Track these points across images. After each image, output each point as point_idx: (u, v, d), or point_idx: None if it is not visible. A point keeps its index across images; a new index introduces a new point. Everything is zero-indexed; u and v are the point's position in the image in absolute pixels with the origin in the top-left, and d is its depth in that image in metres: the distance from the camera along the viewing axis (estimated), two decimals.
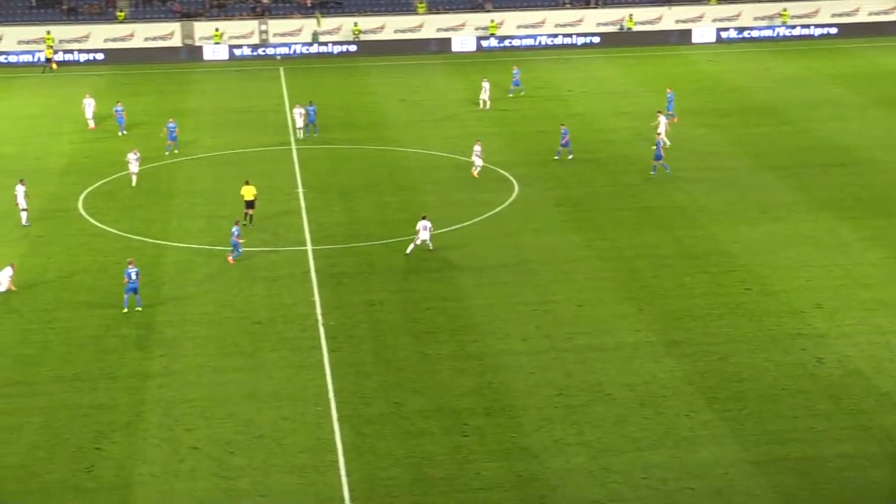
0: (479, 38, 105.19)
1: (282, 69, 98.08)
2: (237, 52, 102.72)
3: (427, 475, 36.31)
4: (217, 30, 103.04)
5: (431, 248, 54.09)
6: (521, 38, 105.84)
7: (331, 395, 41.33)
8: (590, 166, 68.33)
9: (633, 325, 46.73)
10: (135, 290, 47.95)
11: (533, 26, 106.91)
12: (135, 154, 65.30)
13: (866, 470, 36.31)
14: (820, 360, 43.64)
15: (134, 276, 47.87)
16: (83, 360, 43.89)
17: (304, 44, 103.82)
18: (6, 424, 39.25)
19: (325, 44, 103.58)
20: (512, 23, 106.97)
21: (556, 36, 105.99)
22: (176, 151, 71.50)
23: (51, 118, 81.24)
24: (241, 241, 53.14)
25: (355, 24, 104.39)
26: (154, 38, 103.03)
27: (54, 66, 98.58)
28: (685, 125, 76.56)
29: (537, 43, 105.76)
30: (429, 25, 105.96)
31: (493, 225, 58.61)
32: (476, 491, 35.49)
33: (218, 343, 45.46)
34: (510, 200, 62.00)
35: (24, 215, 58.79)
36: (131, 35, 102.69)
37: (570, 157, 68.97)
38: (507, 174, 66.61)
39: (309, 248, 55.64)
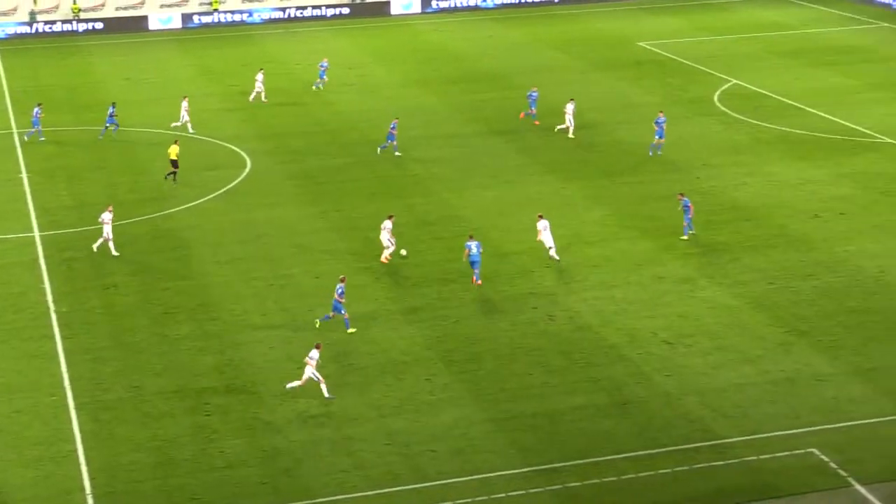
0: (199, 14, 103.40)
1: None
2: None
3: (170, 457, 35.95)
4: None
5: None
6: (242, 13, 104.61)
7: (66, 383, 40.40)
8: (322, 138, 68.47)
9: (370, 294, 47.25)
10: (338, 310, 43.51)
11: (258, 0, 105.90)
12: (111, 213, 51.66)
13: (597, 420, 37.87)
14: (551, 317, 45.15)
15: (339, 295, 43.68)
16: None
17: (21, 23, 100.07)
18: None
19: (46, 22, 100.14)
20: None
21: (282, 10, 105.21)
22: (42, 139, 67.96)
23: None
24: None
25: (74, 2, 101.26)
26: None
27: None
28: (415, 94, 77.49)
29: (261, 18, 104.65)
30: (151, 2, 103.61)
31: (227, 201, 58.18)
32: (221, 469, 35.36)
33: None
34: (243, 176, 61.63)
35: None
36: None
37: (397, 153, 64.56)
38: (238, 149, 66.18)
39: (36, 233, 54.02)
